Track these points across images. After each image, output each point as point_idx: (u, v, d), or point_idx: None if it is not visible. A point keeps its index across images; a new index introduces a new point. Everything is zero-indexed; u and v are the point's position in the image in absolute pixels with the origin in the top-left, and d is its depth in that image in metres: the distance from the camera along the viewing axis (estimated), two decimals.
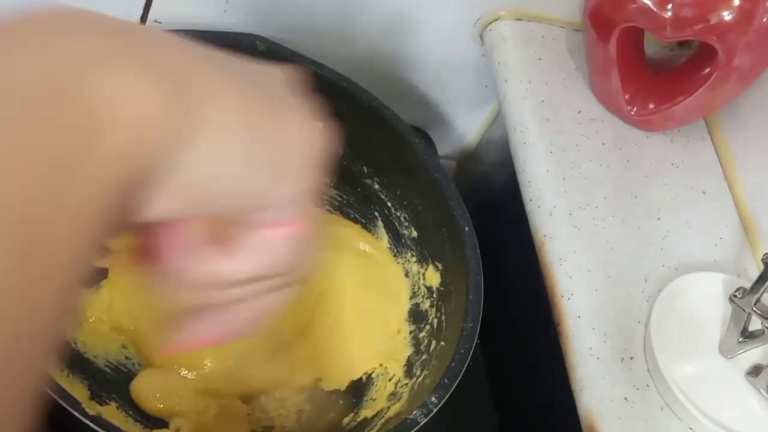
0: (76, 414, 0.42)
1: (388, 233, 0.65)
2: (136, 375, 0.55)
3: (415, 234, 0.63)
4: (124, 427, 0.46)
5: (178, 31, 0.58)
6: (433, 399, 0.49)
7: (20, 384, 0.19)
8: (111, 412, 0.51)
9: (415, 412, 0.48)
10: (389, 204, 0.65)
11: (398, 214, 0.64)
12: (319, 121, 0.27)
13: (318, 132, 0.27)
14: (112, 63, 0.21)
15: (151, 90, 0.22)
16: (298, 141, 0.26)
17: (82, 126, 0.20)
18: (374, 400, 0.58)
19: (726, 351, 0.54)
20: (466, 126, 0.79)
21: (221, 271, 0.27)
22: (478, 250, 0.57)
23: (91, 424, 0.42)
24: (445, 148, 0.80)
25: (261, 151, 0.25)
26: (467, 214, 0.59)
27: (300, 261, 0.28)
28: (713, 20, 0.55)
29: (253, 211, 0.26)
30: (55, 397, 0.42)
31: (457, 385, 0.50)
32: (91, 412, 0.43)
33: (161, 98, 0.22)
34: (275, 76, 0.28)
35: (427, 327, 0.60)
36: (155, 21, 0.62)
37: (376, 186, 0.65)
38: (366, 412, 0.56)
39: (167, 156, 0.22)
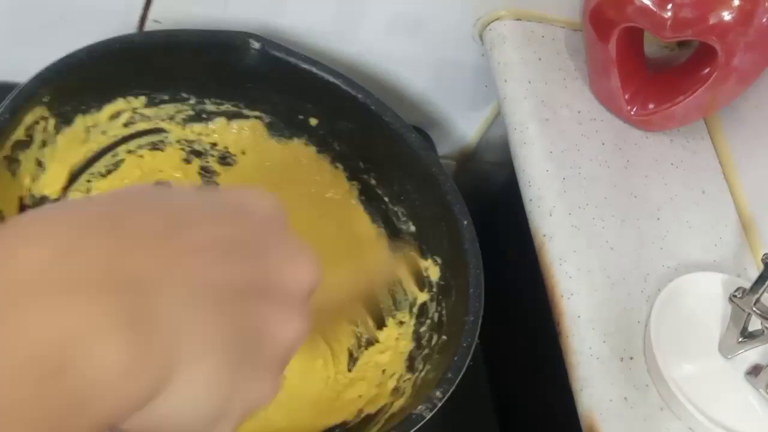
0: None
1: (385, 229, 0.65)
2: None
3: (413, 229, 0.64)
4: None
5: (176, 31, 0.59)
6: (437, 393, 0.49)
7: None
8: None
9: (420, 406, 0.48)
10: (386, 199, 0.65)
11: (395, 209, 0.64)
12: (296, 305, 0.30)
13: (274, 391, 0.30)
14: (111, 337, 0.23)
15: (138, 366, 0.24)
16: (254, 403, 0.29)
17: (78, 397, 0.23)
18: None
19: (726, 351, 0.54)
20: (466, 126, 0.79)
21: None
22: (478, 244, 0.57)
23: None
24: (444, 147, 0.80)
25: (214, 414, 0.28)
26: (466, 208, 0.59)
27: None
28: (713, 20, 0.55)
29: None
30: None
31: (456, 384, 0.50)
32: None
33: (146, 372, 0.24)
34: (288, 286, 0.30)
35: (428, 321, 0.60)
36: (155, 21, 0.62)
37: (373, 182, 0.65)
38: (369, 408, 0.56)
39: (139, 411, 0.25)
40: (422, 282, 0.63)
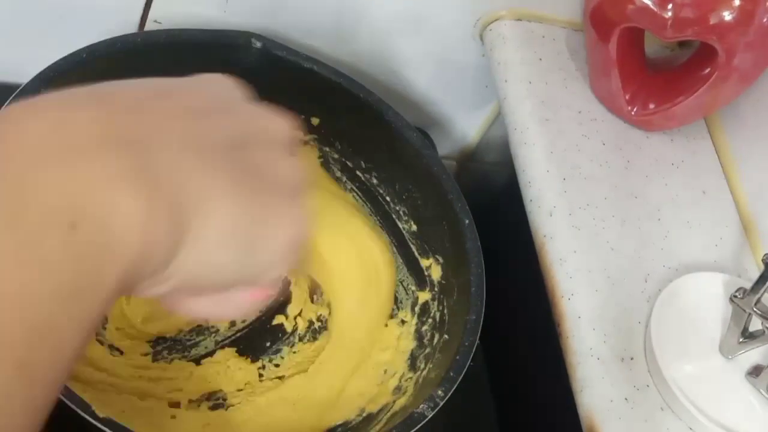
0: (86, 416, 0.42)
1: (386, 228, 0.65)
2: None
3: (414, 228, 0.64)
4: None
5: (177, 31, 0.59)
6: (439, 392, 0.49)
7: None
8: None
9: (422, 405, 0.48)
10: (388, 198, 0.65)
11: (397, 208, 0.64)
12: (299, 204, 0.31)
13: (296, 223, 0.31)
14: (125, 188, 0.24)
15: (157, 216, 0.25)
16: (282, 236, 0.30)
17: (97, 257, 0.24)
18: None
19: (726, 351, 0.54)
20: (466, 126, 0.79)
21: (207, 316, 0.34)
22: (479, 243, 0.57)
23: (102, 427, 0.42)
24: (445, 148, 0.80)
25: (246, 252, 0.29)
26: (467, 208, 0.59)
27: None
28: (713, 20, 0.55)
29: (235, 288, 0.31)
30: (63, 399, 0.42)
31: (457, 384, 0.50)
32: (101, 415, 0.42)
33: (163, 224, 0.25)
34: (271, 136, 0.32)
35: (430, 320, 0.60)
36: (155, 21, 0.62)
37: (374, 181, 0.65)
38: (371, 407, 0.57)
39: (163, 265, 0.26)
40: (424, 281, 0.63)
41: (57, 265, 0.22)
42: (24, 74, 0.52)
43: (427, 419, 0.48)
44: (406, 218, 0.64)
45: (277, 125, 0.32)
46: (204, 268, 0.28)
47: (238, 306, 0.33)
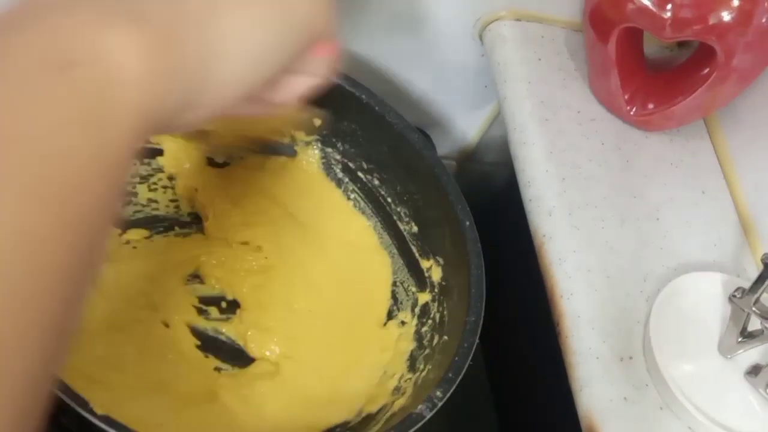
0: (84, 414, 0.42)
1: (387, 229, 0.65)
2: None
3: (415, 229, 0.64)
4: None
5: None
6: (437, 393, 0.49)
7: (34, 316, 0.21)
8: None
9: (420, 406, 0.48)
10: (389, 200, 0.65)
11: (398, 209, 0.65)
12: None
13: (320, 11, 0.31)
14: (115, 26, 0.23)
15: (155, 44, 0.24)
16: (306, 24, 0.30)
17: (100, 90, 0.22)
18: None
19: (725, 351, 0.54)
20: (466, 126, 0.79)
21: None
22: (480, 245, 0.57)
23: (100, 424, 0.42)
24: (444, 147, 0.80)
25: (279, 16, 0.28)
26: (468, 209, 0.59)
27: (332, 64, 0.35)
28: (712, 21, 0.55)
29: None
30: (63, 397, 0.42)
31: (456, 385, 0.50)
32: (100, 412, 0.42)
33: (164, 51, 0.24)
34: None
35: (430, 321, 0.60)
36: None
37: (376, 182, 0.65)
38: (369, 408, 0.57)
39: (198, 84, 0.25)
40: (424, 282, 0.63)
41: (57, 99, 0.22)
42: None
43: (425, 420, 0.48)
44: (407, 219, 0.64)
45: None
46: (249, 62, 0.27)
47: (318, 67, 0.32)
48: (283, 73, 0.31)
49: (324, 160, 0.66)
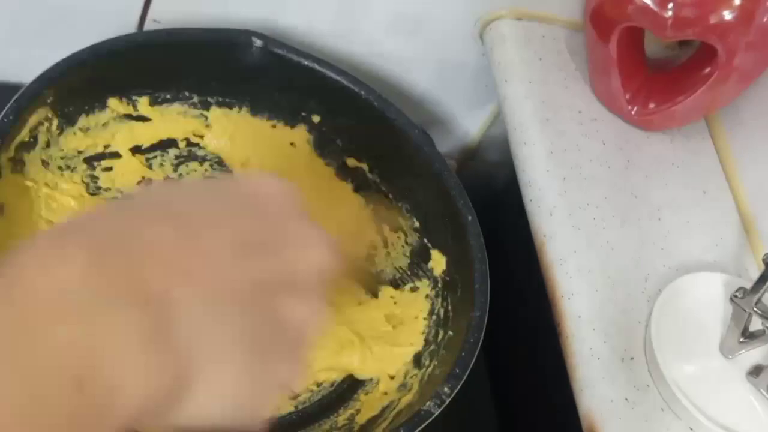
0: None
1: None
2: None
3: (417, 224, 0.64)
4: None
5: (178, 30, 0.59)
6: (445, 389, 0.49)
7: None
8: None
9: (428, 403, 0.48)
10: (390, 196, 0.65)
11: (399, 205, 0.64)
12: (303, 356, 0.31)
13: (295, 378, 0.31)
14: (133, 350, 0.25)
15: (159, 377, 0.26)
16: (274, 391, 0.31)
17: (99, 408, 0.24)
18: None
19: (726, 351, 0.54)
20: (466, 126, 0.79)
21: None
22: (482, 239, 0.57)
23: None
24: (445, 147, 0.79)
25: (241, 410, 0.29)
26: (470, 204, 0.59)
27: None
28: (713, 20, 0.55)
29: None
30: None
31: (463, 381, 0.50)
32: None
33: (166, 382, 0.26)
34: (306, 271, 0.31)
35: (434, 317, 0.60)
36: (154, 20, 0.62)
37: (377, 179, 0.65)
38: (376, 404, 0.57)
39: (157, 418, 0.27)
40: (424, 270, 0.63)
41: (59, 420, 0.23)
42: (23, 74, 0.52)
43: (433, 416, 0.48)
44: (408, 215, 0.64)
45: (322, 257, 0.31)
46: (196, 423, 0.28)
47: None
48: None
49: (325, 161, 0.66)
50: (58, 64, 0.53)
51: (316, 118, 0.64)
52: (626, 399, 0.51)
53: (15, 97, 0.51)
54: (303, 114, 0.64)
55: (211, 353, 0.27)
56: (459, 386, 0.50)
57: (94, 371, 0.24)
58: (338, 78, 0.62)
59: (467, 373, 0.50)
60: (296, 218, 0.32)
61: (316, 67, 0.62)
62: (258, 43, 0.60)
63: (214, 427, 0.29)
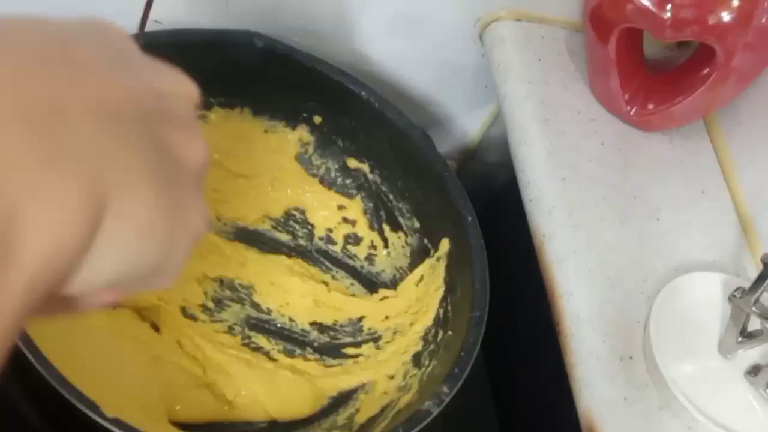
0: (94, 417, 0.42)
1: (390, 225, 0.66)
2: None
3: (417, 225, 0.64)
4: None
5: (180, 31, 0.59)
6: (444, 389, 0.49)
7: None
8: None
9: (427, 402, 0.49)
10: (390, 196, 0.65)
11: (399, 205, 0.65)
12: (201, 194, 0.28)
13: (205, 214, 0.28)
14: (36, 181, 0.21)
15: (68, 214, 0.21)
16: (190, 230, 0.27)
17: (3, 239, 0.20)
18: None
19: (725, 351, 0.54)
20: (466, 126, 0.79)
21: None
22: (482, 240, 0.57)
23: (111, 427, 0.42)
24: (445, 148, 0.80)
25: (162, 248, 0.26)
26: (470, 204, 0.59)
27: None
28: (712, 21, 0.55)
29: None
30: (71, 399, 0.42)
31: (462, 381, 0.50)
32: (110, 415, 0.42)
33: (75, 219, 0.22)
34: (180, 101, 0.29)
35: (434, 317, 0.60)
36: (155, 21, 0.62)
37: (377, 179, 0.65)
38: (375, 404, 0.57)
39: (72, 269, 0.23)
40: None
41: None
42: None
43: (432, 416, 0.48)
44: (409, 215, 0.64)
45: (184, 89, 0.29)
46: (123, 268, 0.24)
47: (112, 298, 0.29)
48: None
49: (324, 160, 0.66)
50: None
51: (317, 119, 0.65)
52: (625, 398, 0.51)
53: None
54: (304, 114, 0.65)
55: (119, 180, 0.23)
56: (458, 386, 0.50)
57: None
58: (339, 79, 0.62)
59: (466, 373, 0.51)
60: (142, 53, 0.30)
61: (317, 67, 0.62)
62: (259, 43, 0.60)
63: (135, 278, 0.25)
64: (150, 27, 0.63)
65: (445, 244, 0.61)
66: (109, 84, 0.25)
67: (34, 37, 0.24)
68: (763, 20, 0.55)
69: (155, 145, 0.25)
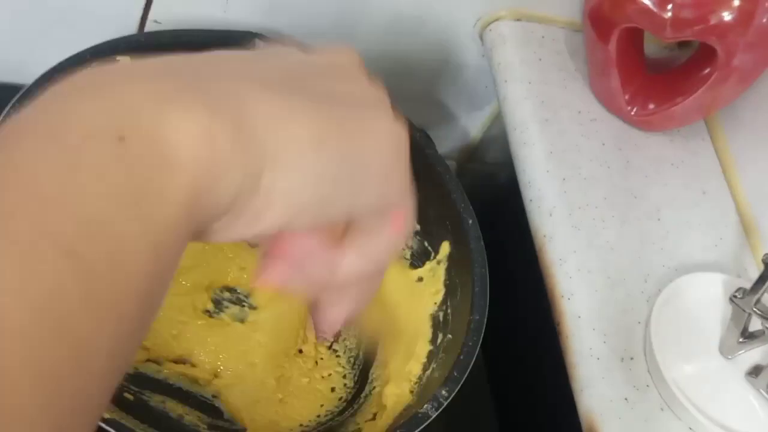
0: None
1: None
2: None
3: (418, 227, 0.64)
4: None
5: (182, 32, 0.59)
6: (443, 392, 0.49)
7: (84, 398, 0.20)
8: None
9: (426, 405, 0.48)
10: None
11: None
12: (389, 113, 0.28)
13: (391, 130, 0.28)
14: (177, 105, 0.22)
15: (217, 130, 0.22)
16: (373, 148, 0.27)
17: (153, 168, 0.21)
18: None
19: (726, 351, 0.54)
20: (466, 126, 0.79)
21: (332, 272, 0.29)
22: (483, 243, 0.57)
23: (107, 427, 0.42)
24: (445, 148, 0.80)
25: (337, 169, 0.25)
26: (470, 207, 0.59)
27: (394, 254, 0.31)
28: (713, 21, 0.55)
29: (344, 220, 0.28)
30: None
31: (461, 384, 0.50)
32: (106, 415, 0.42)
33: (226, 137, 0.23)
34: (338, 67, 0.29)
35: (434, 320, 0.60)
36: (155, 21, 0.62)
37: None
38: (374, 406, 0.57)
39: (239, 189, 0.23)
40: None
41: (106, 169, 0.20)
42: (23, 74, 0.52)
43: (431, 419, 0.48)
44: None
45: (344, 55, 0.30)
46: (304, 188, 0.24)
47: (373, 250, 0.29)
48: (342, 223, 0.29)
49: None
50: (60, 65, 0.53)
51: None
52: (626, 399, 0.51)
53: (15, 97, 0.51)
54: None
55: (273, 111, 0.24)
56: (457, 389, 0.50)
57: (134, 128, 0.21)
58: None
59: (465, 377, 0.50)
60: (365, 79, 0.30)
61: None
62: (261, 45, 0.60)
63: (332, 203, 0.25)
64: (149, 27, 0.63)
65: (445, 247, 0.61)
66: (256, 63, 0.26)
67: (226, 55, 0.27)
68: (764, 20, 0.55)
69: (313, 90, 0.26)
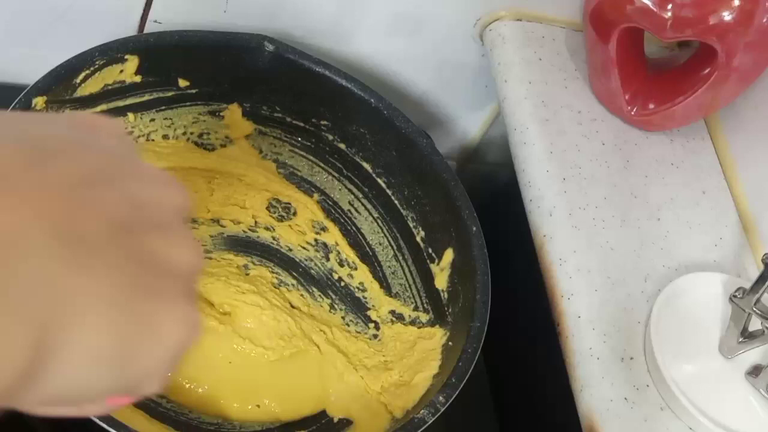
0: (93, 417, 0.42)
1: (399, 232, 0.66)
2: None
3: (422, 234, 0.64)
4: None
5: (190, 33, 0.59)
6: (440, 398, 0.49)
7: None
8: None
9: (422, 411, 0.48)
10: (396, 203, 0.65)
11: (405, 213, 0.64)
12: (194, 299, 0.27)
13: (193, 323, 0.26)
14: None
15: (12, 342, 0.21)
16: (169, 341, 0.26)
17: None
18: None
19: (726, 351, 0.54)
20: (466, 126, 0.79)
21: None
22: (486, 251, 0.57)
23: (105, 426, 0.42)
24: (445, 148, 0.80)
25: (123, 365, 0.25)
26: (475, 215, 0.59)
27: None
28: (713, 21, 0.55)
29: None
30: None
31: (459, 390, 0.50)
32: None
33: (16, 349, 0.22)
34: (164, 207, 0.27)
35: None
36: (155, 21, 0.62)
37: (384, 185, 0.65)
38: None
39: (15, 391, 0.23)
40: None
41: None
42: (23, 74, 0.52)
43: (427, 425, 0.48)
44: (414, 224, 0.64)
45: (171, 194, 0.28)
46: (72, 388, 0.24)
47: (96, 409, 0.28)
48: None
49: (332, 162, 0.66)
50: (68, 62, 0.53)
51: (325, 124, 0.64)
52: (626, 399, 0.51)
53: (18, 97, 0.51)
54: (313, 120, 0.65)
55: (73, 303, 0.23)
56: (454, 395, 0.50)
57: None
58: (348, 85, 0.62)
59: (463, 383, 0.51)
60: (135, 157, 0.28)
61: (327, 73, 0.62)
62: (269, 47, 0.60)
63: (88, 396, 0.25)
64: (149, 27, 0.63)
65: (449, 254, 0.61)
66: (80, 204, 0.24)
67: (7, 152, 0.23)
68: (764, 20, 0.55)
69: (129, 254, 0.25)
